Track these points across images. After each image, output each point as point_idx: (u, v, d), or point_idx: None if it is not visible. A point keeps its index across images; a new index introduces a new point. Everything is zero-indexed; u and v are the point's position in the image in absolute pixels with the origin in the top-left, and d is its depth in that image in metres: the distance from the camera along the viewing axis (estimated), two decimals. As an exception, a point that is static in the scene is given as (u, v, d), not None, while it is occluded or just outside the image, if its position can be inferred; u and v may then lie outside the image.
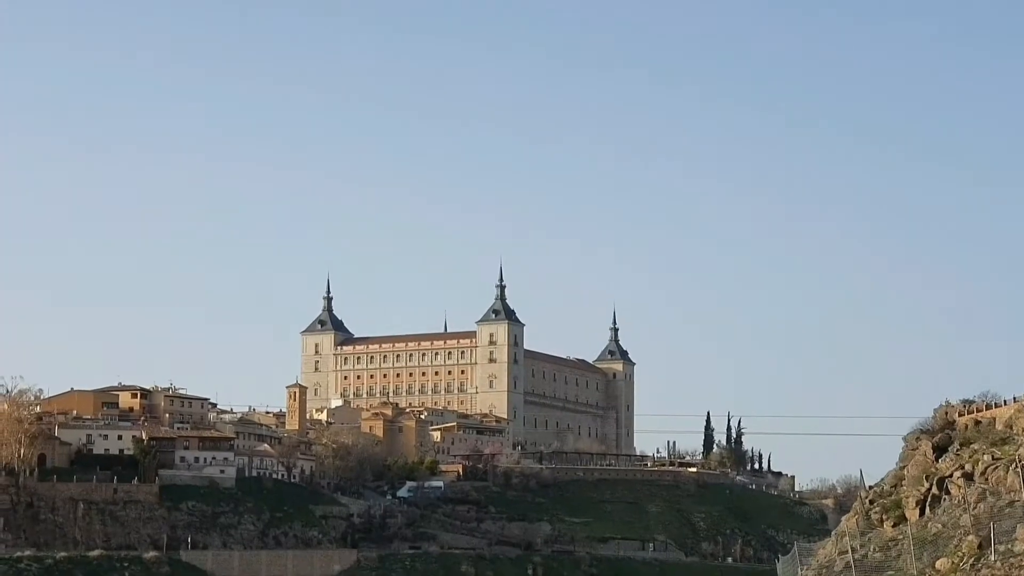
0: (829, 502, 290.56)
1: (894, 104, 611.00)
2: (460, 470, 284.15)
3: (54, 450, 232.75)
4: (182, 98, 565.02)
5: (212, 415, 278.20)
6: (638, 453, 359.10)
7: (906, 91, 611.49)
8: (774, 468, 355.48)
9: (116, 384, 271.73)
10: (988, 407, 78.60)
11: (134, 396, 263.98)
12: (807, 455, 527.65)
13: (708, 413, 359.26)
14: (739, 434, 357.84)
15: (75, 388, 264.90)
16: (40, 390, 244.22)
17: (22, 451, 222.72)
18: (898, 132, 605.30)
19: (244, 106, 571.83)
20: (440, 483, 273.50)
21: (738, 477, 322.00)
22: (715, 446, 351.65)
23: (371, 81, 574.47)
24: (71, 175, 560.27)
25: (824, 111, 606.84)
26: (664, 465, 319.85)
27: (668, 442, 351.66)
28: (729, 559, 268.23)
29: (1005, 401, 77.79)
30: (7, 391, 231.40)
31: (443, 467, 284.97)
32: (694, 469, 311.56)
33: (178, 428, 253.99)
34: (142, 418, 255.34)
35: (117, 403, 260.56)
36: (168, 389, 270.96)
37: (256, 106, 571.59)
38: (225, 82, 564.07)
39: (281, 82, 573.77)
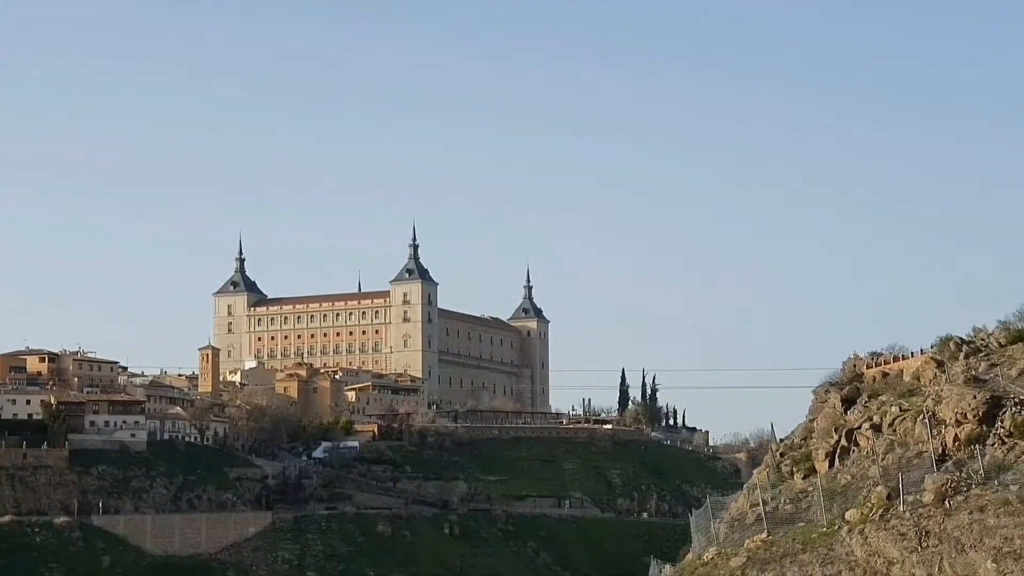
0: (742, 456, 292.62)
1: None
2: (375, 430, 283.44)
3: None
4: (89, 53, 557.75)
5: (123, 379, 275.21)
6: (553, 411, 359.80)
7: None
8: (688, 424, 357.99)
9: (24, 348, 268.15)
10: (896, 359, 78.72)
11: (42, 360, 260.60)
12: (721, 411, 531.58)
13: (623, 370, 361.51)
14: (654, 390, 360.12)
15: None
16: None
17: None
18: (798, 59, 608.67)
19: (162, 68, 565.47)
20: (355, 443, 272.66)
21: (653, 433, 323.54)
22: (630, 403, 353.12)
23: (280, 38, 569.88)
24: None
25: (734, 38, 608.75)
26: (579, 422, 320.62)
27: (583, 399, 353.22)
28: (644, 514, 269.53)
29: (912, 353, 77.95)
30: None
31: (358, 427, 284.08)
32: (609, 426, 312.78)
33: (87, 392, 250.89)
34: (51, 382, 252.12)
35: (25, 367, 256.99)
36: (77, 352, 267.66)
37: (167, 65, 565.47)
38: (144, 46, 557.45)
39: (194, 42, 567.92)
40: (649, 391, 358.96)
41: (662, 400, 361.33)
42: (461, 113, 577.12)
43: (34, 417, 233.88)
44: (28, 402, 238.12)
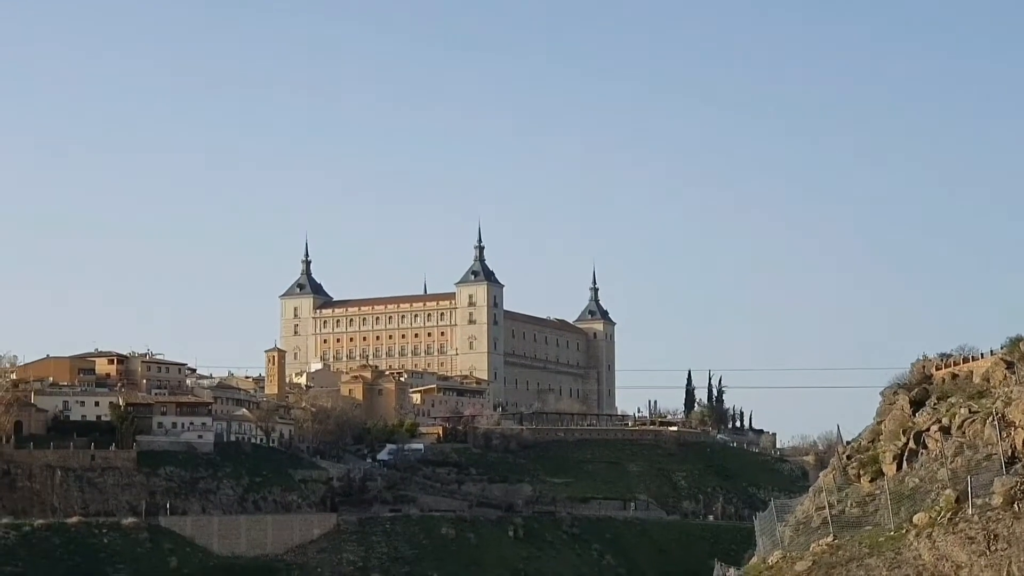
0: (810, 459, 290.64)
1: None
2: (440, 432, 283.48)
3: (30, 417, 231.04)
4: (153, 60, 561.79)
5: (190, 381, 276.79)
6: (619, 413, 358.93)
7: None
8: (755, 426, 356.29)
9: (93, 350, 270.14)
10: (965, 360, 77.79)
11: (111, 362, 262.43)
12: (788, 412, 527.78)
13: (689, 372, 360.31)
14: (720, 392, 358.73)
15: (51, 355, 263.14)
16: (15, 357, 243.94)
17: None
18: (883, 117, 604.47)
19: (223, 66, 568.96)
20: (420, 445, 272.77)
21: (719, 435, 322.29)
22: (696, 404, 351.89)
23: (351, 43, 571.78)
24: (46, 135, 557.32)
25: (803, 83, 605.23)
26: (645, 424, 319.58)
27: (649, 401, 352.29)
28: (710, 517, 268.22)
29: (982, 354, 77.05)
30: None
31: (423, 429, 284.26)
32: (675, 428, 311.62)
33: (155, 394, 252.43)
34: (119, 384, 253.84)
35: (94, 369, 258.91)
36: (145, 355, 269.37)
37: (235, 65, 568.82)
38: (195, 47, 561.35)
39: (263, 46, 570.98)
40: (716, 393, 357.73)
41: (729, 402, 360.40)
42: (528, 115, 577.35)
43: (103, 419, 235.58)
44: (97, 404, 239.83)
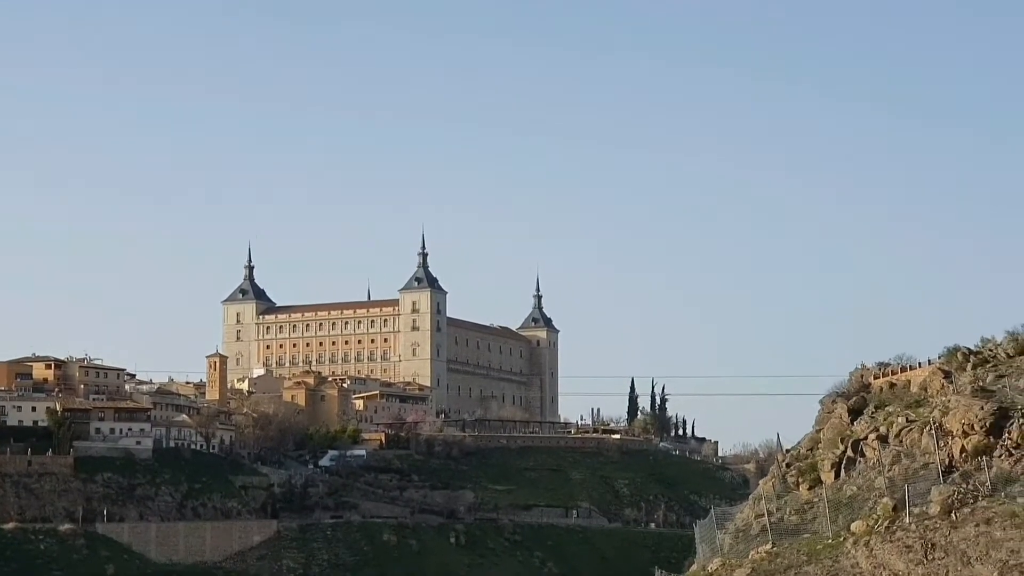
0: (751, 467, 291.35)
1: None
2: (383, 439, 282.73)
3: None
4: (103, 63, 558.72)
5: (129, 386, 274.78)
6: (562, 420, 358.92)
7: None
8: (697, 434, 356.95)
9: (30, 355, 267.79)
10: (903, 369, 77.94)
11: (48, 367, 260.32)
12: (730, 421, 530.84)
13: (632, 380, 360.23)
14: (663, 400, 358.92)
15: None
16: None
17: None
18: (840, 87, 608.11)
19: (167, 67, 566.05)
20: (362, 452, 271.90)
21: (661, 443, 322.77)
22: (639, 413, 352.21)
23: (294, 45, 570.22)
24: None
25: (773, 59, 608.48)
26: (587, 432, 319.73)
27: (592, 409, 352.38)
28: (652, 525, 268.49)
29: (920, 364, 77.23)
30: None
31: (366, 436, 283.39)
32: (617, 436, 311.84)
33: (93, 399, 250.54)
34: (56, 389, 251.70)
35: (31, 374, 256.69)
36: (83, 359, 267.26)
37: (178, 66, 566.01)
38: (138, 45, 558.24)
39: (205, 47, 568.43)
40: (658, 401, 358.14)
41: (671, 410, 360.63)
42: (470, 122, 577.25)
43: (40, 424, 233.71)
44: (34, 409, 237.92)
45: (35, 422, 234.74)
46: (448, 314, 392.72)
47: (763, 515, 66.24)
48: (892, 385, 76.33)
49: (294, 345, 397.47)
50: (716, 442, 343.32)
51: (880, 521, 57.04)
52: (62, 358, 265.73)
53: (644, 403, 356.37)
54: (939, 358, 74.53)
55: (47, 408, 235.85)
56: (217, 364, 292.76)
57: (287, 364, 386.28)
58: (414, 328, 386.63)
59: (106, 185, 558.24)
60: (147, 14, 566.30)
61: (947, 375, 70.80)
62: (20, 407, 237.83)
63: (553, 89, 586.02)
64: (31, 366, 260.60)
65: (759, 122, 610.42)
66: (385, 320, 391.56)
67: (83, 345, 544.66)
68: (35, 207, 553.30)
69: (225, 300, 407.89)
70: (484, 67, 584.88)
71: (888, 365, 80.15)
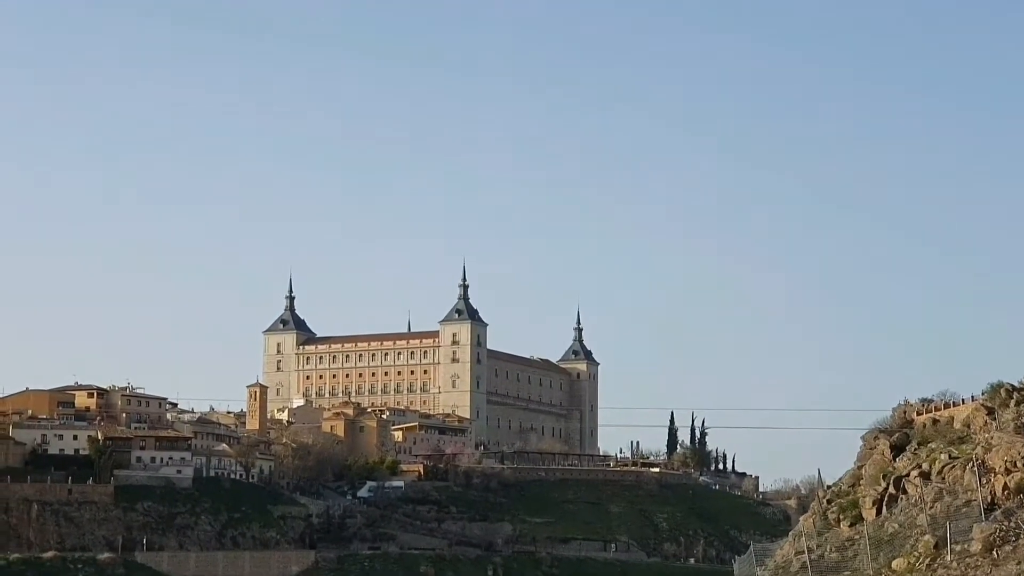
0: (792, 502, 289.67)
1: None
2: (421, 470, 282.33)
3: (8, 450, 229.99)
4: (143, 93, 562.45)
5: (170, 415, 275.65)
6: (601, 453, 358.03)
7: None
8: (738, 469, 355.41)
9: (72, 383, 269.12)
10: (946, 406, 77.49)
11: (90, 395, 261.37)
12: (771, 456, 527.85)
13: (672, 413, 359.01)
14: (703, 434, 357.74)
15: (30, 387, 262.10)
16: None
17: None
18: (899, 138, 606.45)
19: (206, 102, 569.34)
20: (401, 483, 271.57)
21: (701, 477, 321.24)
22: (679, 446, 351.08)
23: (329, 76, 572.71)
24: (25, 170, 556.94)
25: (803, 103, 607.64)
26: (627, 465, 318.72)
27: (631, 442, 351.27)
28: (691, 560, 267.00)
29: (963, 400, 76.75)
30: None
31: (404, 467, 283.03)
32: (657, 469, 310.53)
33: (135, 428, 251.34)
34: (98, 418, 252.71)
35: (73, 403, 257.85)
36: (125, 388, 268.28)
37: (219, 103, 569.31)
38: (189, 77, 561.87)
39: (248, 80, 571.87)
40: (698, 434, 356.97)
41: (711, 444, 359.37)
42: (511, 155, 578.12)
43: (81, 452, 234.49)
44: (75, 437, 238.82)
45: (76, 451, 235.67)
46: (488, 346, 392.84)
47: (803, 552, 65.95)
48: (935, 421, 75.92)
49: (334, 376, 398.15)
50: (757, 477, 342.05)
51: (921, 558, 56.66)
52: (104, 387, 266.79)
53: (684, 436, 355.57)
54: (982, 395, 74.13)
55: (88, 437, 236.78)
56: (257, 394, 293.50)
57: (327, 395, 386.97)
58: (454, 360, 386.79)
59: (150, 214, 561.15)
60: (199, 51, 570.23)
61: (990, 412, 70.42)
62: (62, 435, 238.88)
63: (590, 119, 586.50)
64: (73, 395, 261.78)
65: (792, 163, 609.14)
66: (425, 352, 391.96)
67: (125, 374, 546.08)
68: (81, 236, 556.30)
69: (266, 330, 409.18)
70: (522, 99, 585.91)
71: (931, 401, 79.75)
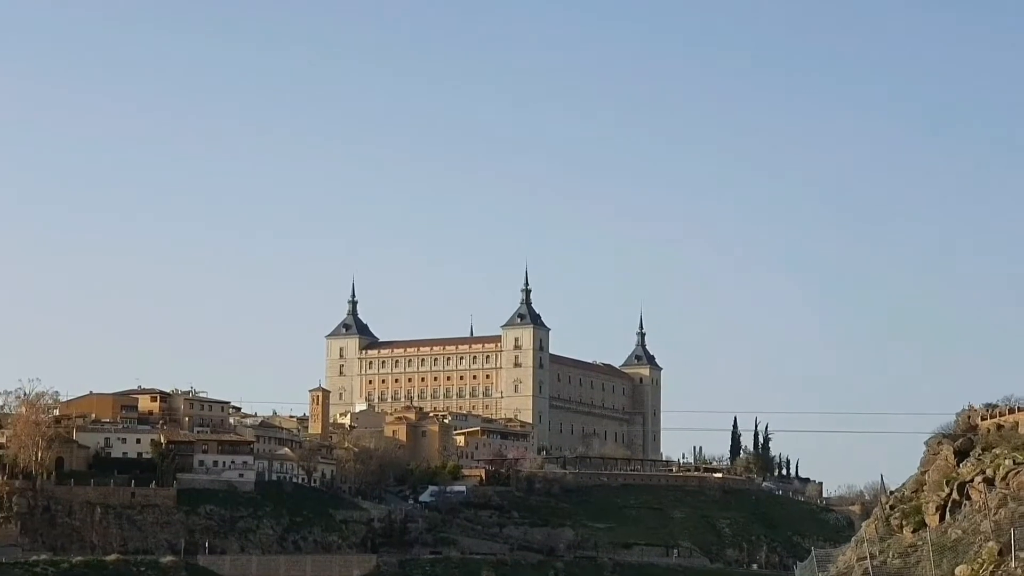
0: (856, 508, 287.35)
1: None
2: (483, 475, 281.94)
3: (72, 453, 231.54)
4: (205, 96, 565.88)
5: (233, 419, 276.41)
6: (664, 458, 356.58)
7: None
8: (802, 474, 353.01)
9: (135, 387, 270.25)
10: (1011, 411, 76.36)
11: (153, 399, 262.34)
12: (835, 461, 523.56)
13: (735, 418, 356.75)
14: (766, 439, 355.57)
15: (93, 391, 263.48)
16: (57, 392, 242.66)
17: (40, 454, 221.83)
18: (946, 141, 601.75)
19: (268, 105, 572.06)
20: (463, 488, 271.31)
21: (764, 483, 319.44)
22: (742, 451, 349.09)
23: (394, 84, 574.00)
24: (87, 169, 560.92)
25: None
26: (689, 471, 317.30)
27: (694, 447, 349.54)
28: (754, 566, 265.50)
29: (1029, 405, 75.56)
30: (24, 394, 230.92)
31: (466, 472, 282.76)
32: (719, 475, 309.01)
33: (198, 432, 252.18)
34: (161, 421, 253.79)
35: (136, 406, 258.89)
36: (188, 392, 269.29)
37: (289, 100, 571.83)
38: (241, 79, 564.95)
39: (299, 82, 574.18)
40: (762, 440, 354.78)
41: (775, 450, 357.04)
42: (576, 157, 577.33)
43: (144, 456, 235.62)
44: (138, 441, 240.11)
45: (139, 454, 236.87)
46: (551, 351, 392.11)
47: (865, 558, 65.08)
48: (1000, 427, 74.87)
49: (396, 380, 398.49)
50: (820, 483, 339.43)
51: (985, 565, 55.65)
52: (167, 391, 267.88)
53: (747, 441, 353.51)
54: (1048, 399, 72.94)
55: (151, 440, 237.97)
56: (320, 398, 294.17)
57: (389, 399, 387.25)
58: (516, 365, 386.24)
59: (213, 219, 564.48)
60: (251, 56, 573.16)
61: (1056, 417, 69.13)
62: (125, 439, 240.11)
63: (655, 125, 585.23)
64: (136, 398, 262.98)
65: (850, 160, 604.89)
66: (487, 356, 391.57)
67: (188, 378, 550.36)
68: (140, 241, 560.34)
69: (329, 335, 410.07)
70: (587, 104, 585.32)
71: (996, 407, 78.70)
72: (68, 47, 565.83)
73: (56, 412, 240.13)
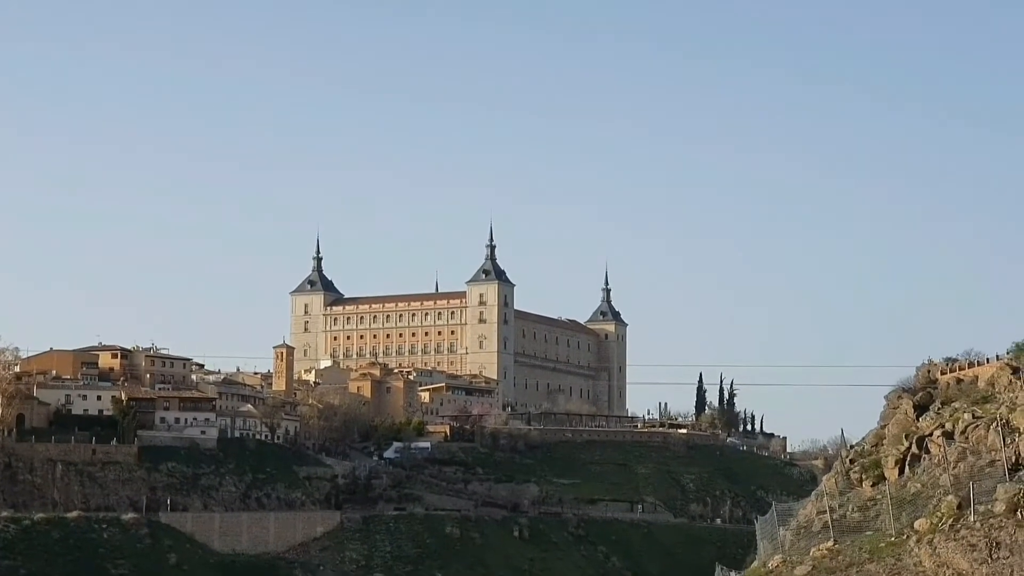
0: (819, 463, 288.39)
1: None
2: (447, 431, 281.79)
3: (32, 410, 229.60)
4: (163, 59, 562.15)
5: (195, 376, 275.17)
6: (629, 414, 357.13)
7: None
8: (766, 430, 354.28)
9: (96, 344, 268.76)
10: (971, 365, 76.33)
11: (114, 356, 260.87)
12: (800, 417, 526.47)
13: (700, 374, 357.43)
14: (731, 395, 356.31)
15: (54, 348, 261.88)
16: (17, 349, 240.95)
17: (0, 411, 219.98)
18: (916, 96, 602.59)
19: (235, 67, 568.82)
20: (427, 444, 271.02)
21: (729, 439, 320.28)
22: (707, 407, 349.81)
23: (363, 40, 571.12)
24: (49, 128, 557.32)
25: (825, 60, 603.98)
26: (654, 426, 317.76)
27: (659, 403, 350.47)
28: (718, 520, 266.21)
29: (988, 359, 75.62)
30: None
31: (431, 428, 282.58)
32: (684, 430, 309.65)
33: (159, 389, 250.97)
34: (122, 378, 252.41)
35: (97, 363, 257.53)
36: (149, 349, 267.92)
37: (247, 60, 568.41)
38: (204, 39, 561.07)
39: (272, 47, 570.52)
40: (727, 395, 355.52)
41: (740, 405, 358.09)
42: (537, 115, 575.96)
43: (105, 413, 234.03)
44: (99, 398, 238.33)
45: (100, 411, 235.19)
46: (516, 307, 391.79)
47: (825, 512, 65.06)
48: (959, 381, 74.86)
49: (361, 337, 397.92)
50: (785, 438, 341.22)
51: (944, 519, 55.62)
52: (128, 347, 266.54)
53: (712, 397, 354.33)
54: (1007, 354, 73.27)
55: (112, 397, 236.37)
56: (284, 355, 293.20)
57: (354, 356, 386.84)
58: (481, 321, 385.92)
59: (174, 175, 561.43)
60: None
61: (1015, 371, 69.42)
62: (85, 396, 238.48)
63: (620, 80, 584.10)
64: (97, 355, 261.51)
65: (822, 125, 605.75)
66: (452, 312, 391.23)
67: (150, 335, 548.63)
68: (105, 198, 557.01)
69: (293, 291, 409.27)
70: (553, 59, 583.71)
71: (955, 361, 78.73)
72: None
73: (17, 369, 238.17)
